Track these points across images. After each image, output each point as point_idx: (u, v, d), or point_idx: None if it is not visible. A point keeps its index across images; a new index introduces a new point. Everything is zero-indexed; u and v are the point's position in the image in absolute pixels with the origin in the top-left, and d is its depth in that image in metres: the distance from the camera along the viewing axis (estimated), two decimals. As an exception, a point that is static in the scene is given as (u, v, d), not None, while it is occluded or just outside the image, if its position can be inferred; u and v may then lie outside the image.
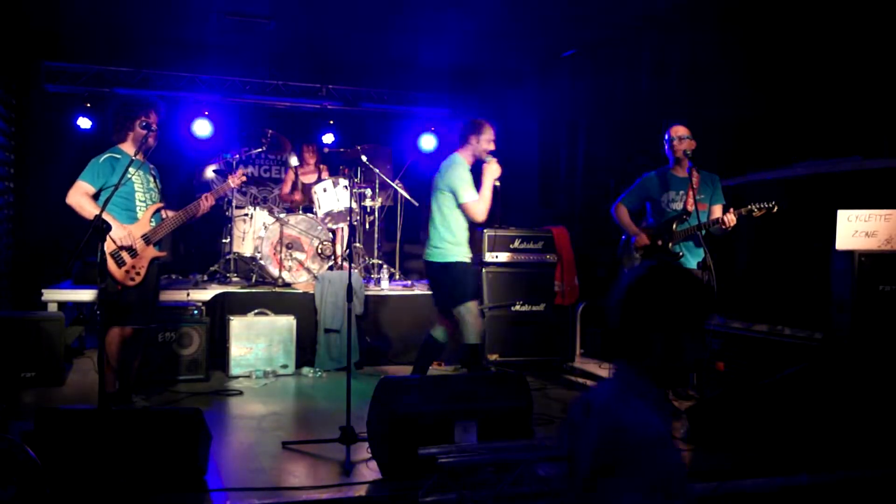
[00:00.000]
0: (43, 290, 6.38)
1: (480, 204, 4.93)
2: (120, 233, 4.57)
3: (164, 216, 4.91)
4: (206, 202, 4.99)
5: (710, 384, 5.60)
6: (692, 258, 5.31)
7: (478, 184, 5.00)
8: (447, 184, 4.98)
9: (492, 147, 5.04)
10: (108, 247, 4.54)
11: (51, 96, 8.41)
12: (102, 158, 4.66)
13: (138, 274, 4.69)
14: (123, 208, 4.68)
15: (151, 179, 4.90)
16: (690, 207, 5.17)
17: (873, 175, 4.96)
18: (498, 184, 5.01)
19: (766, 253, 5.69)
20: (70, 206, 4.56)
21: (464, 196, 4.92)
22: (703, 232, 5.14)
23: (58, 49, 8.16)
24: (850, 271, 4.43)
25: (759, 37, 5.93)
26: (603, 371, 6.74)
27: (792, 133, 5.73)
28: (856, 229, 4.53)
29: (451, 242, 4.99)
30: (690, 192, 5.16)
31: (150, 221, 4.78)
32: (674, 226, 5.29)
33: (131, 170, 4.58)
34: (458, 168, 4.98)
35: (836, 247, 4.56)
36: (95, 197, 4.60)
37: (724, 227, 5.00)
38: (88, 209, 4.49)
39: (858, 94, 5.27)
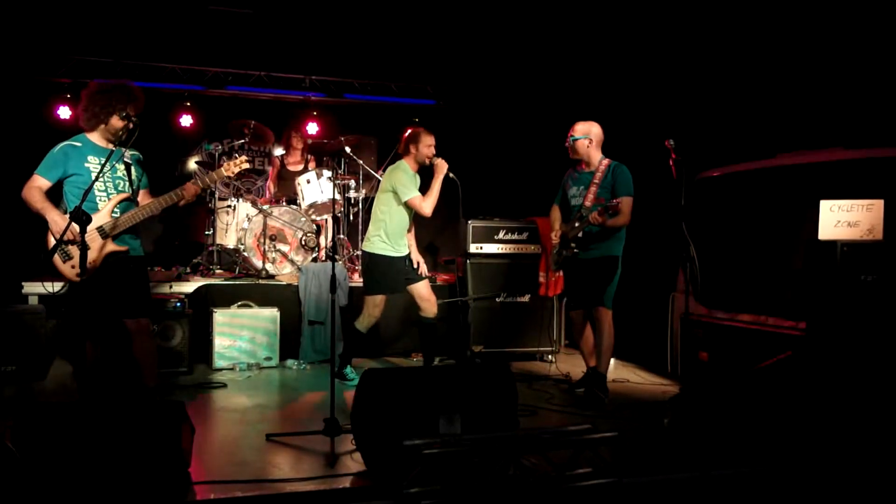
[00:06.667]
0: (23, 283, 6.31)
1: (427, 200, 5.53)
2: (57, 226, 4.14)
3: (141, 203, 4.49)
4: (191, 188, 4.48)
5: (694, 374, 5.63)
6: (597, 251, 5.35)
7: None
8: (389, 185, 5.59)
9: (432, 151, 5.62)
10: (51, 241, 4.20)
11: (30, 86, 8.30)
12: (57, 148, 4.32)
13: (87, 270, 4.11)
14: (81, 199, 4.12)
15: (121, 168, 4.44)
16: (588, 203, 5.32)
17: (856, 165, 4.99)
18: (452, 175, 5.58)
19: (749, 243, 5.71)
20: (23, 199, 4.25)
21: (405, 195, 5.53)
22: (590, 227, 5.22)
23: (37, 39, 8.06)
24: (833, 261, 4.45)
25: (742, 26, 5.95)
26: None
27: (775, 123, 5.76)
28: (838, 219, 4.55)
29: (378, 237, 5.60)
30: (592, 188, 5.34)
31: (113, 213, 4.34)
32: (575, 223, 5.41)
33: (90, 157, 4.29)
34: (399, 172, 5.60)
35: (819, 237, 4.58)
36: (55, 189, 4.29)
37: (594, 224, 5.16)
38: (35, 203, 4.21)
39: (839, 84, 5.31)
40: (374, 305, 5.68)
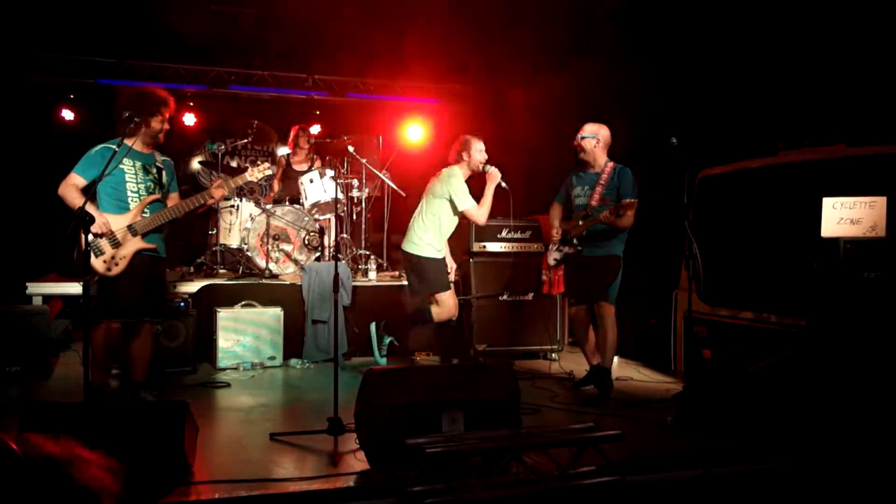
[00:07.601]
0: (27, 284, 6.33)
1: (481, 209, 5.59)
2: (95, 221, 4.42)
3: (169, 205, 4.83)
4: (217, 191, 4.95)
5: (697, 371, 5.63)
6: (601, 250, 5.40)
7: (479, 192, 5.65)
8: (446, 191, 5.60)
9: (484, 157, 5.64)
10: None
11: (33, 87, 8.31)
12: (95, 150, 4.62)
13: (116, 265, 4.57)
14: (113, 198, 4.61)
15: (153, 172, 4.78)
16: (594, 202, 5.38)
17: (859, 162, 4.98)
18: (504, 184, 5.61)
19: (752, 241, 5.71)
20: (59, 196, 4.54)
21: (463, 204, 5.58)
22: (597, 225, 5.31)
23: (40, 39, 8.07)
24: (835, 258, 4.44)
25: (745, 24, 5.94)
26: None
27: (778, 121, 5.76)
28: (841, 216, 4.55)
29: (425, 241, 5.65)
30: (597, 188, 5.40)
31: (143, 213, 4.67)
32: (579, 221, 5.45)
33: (125, 160, 4.53)
34: (455, 179, 5.60)
35: (822, 234, 4.57)
36: (89, 189, 4.53)
37: (605, 222, 5.24)
38: (70, 200, 4.50)
39: (842, 81, 5.30)
40: (454, 304, 5.80)
